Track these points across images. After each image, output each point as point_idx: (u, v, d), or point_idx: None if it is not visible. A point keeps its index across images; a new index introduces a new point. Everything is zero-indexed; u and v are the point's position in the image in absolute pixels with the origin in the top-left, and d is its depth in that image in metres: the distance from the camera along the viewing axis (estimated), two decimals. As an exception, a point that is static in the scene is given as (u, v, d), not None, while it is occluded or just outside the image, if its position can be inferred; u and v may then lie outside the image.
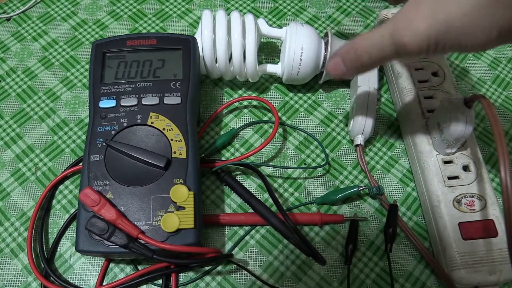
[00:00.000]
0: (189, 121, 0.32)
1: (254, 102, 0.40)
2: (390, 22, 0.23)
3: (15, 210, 0.34)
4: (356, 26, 0.46)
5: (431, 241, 0.34)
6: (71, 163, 0.36)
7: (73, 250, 0.33)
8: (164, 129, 0.31)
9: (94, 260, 0.33)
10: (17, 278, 0.32)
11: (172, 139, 0.31)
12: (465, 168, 0.33)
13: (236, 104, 0.40)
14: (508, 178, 0.23)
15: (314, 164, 0.37)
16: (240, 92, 0.41)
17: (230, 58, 0.37)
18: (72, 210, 0.34)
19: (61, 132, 0.38)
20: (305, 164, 0.37)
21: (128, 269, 0.32)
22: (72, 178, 0.36)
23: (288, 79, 0.38)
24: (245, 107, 0.40)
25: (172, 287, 0.31)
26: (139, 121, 0.31)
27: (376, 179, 0.37)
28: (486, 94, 0.42)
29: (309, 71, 0.37)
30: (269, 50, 0.44)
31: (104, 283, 0.31)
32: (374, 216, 0.35)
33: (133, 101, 0.32)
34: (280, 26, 0.43)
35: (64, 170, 0.35)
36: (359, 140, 0.36)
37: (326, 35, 0.37)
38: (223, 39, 0.34)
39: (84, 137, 0.38)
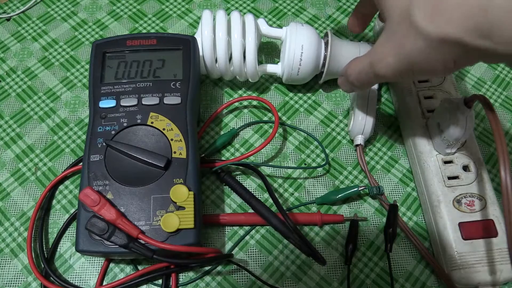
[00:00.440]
0: (189, 121, 0.32)
1: (254, 102, 0.40)
2: (370, 54, 0.27)
3: (15, 210, 0.34)
4: (356, 26, 0.45)
5: (431, 241, 0.34)
6: (71, 163, 0.36)
7: (73, 250, 0.33)
8: (164, 129, 0.31)
9: (94, 260, 0.33)
10: (17, 278, 0.32)
11: (172, 139, 0.31)
12: (465, 168, 0.33)
13: (236, 104, 0.40)
14: (508, 178, 0.23)
15: (314, 164, 0.37)
16: (240, 92, 0.41)
17: (230, 58, 0.37)
18: (72, 210, 0.34)
19: (61, 132, 0.38)
20: (305, 164, 0.37)
21: (128, 269, 0.32)
22: (72, 178, 0.36)
23: (288, 79, 0.38)
24: (245, 107, 0.40)
25: (172, 287, 0.31)
26: (139, 121, 0.31)
27: (376, 179, 0.37)
28: (486, 94, 0.42)
29: (309, 71, 0.37)
30: (269, 50, 0.44)
31: (104, 283, 0.31)
32: (374, 216, 0.35)
33: (133, 101, 0.32)
34: (280, 26, 0.43)
35: (64, 170, 0.35)
36: (359, 140, 0.36)
37: (326, 35, 0.37)
38: (223, 39, 0.34)
39: (84, 137, 0.38)
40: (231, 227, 0.34)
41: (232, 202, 0.35)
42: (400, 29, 0.23)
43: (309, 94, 0.41)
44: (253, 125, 0.39)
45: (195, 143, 0.31)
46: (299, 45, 0.35)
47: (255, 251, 0.33)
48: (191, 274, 0.32)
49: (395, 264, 0.33)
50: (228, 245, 0.33)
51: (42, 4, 0.46)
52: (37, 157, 0.37)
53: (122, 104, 0.32)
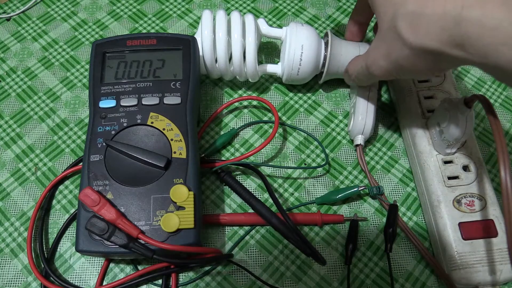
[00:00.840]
0: (189, 121, 0.32)
1: (254, 102, 0.40)
2: (365, 56, 0.30)
3: (15, 210, 0.34)
4: (356, 26, 0.45)
5: (431, 241, 0.34)
6: (71, 163, 0.36)
7: (73, 250, 0.33)
8: (164, 129, 0.31)
9: (94, 260, 0.33)
10: (17, 278, 0.32)
11: (172, 139, 0.31)
12: (465, 168, 0.33)
13: (236, 104, 0.40)
14: (508, 178, 0.23)
15: (314, 164, 0.37)
16: (240, 92, 0.41)
17: (230, 58, 0.37)
18: (72, 210, 0.34)
19: (61, 132, 0.38)
20: (305, 164, 0.37)
21: (128, 269, 0.32)
22: (72, 178, 0.36)
23: (288, 79, 0.38)
24: (245, 107, 0.40)
25: (172, 287, 0.31)
26: (139, 121, 0.31)
27: (376, 179, 0.37)
28: (486, 94, 0.42)
29: (309, 71, 0.37)
30: (269, 50, 0.44)
31: (104, 283, 0.31)
32: (374, 216, 0.35)
33: (133, 101, 0.32)
34: (280, 26, 0.43)
35: (64, 170, 0.35)
36: (359, 140, 0.36)
37: (326, 35, 0.37)
38: (223, 39, 0.34)
39: (84, 137, 0.38)
40: (231, 227, 0.34)
41: (232, 202, 0.35)
42: (389, 36, 0.26)
43: (309, 94, 0.41)
44: (253, 125, 0.39)
45: (195, 143, 0.31)
46: (299, 45, 0.35)
47: (255, 251, 0.33)
48: (191, 274, 0.32)
49: (395, 264, 0.33)
50: (228, 245, 0.33)
51: (42, 4, 0.46)
52: (37, 157, 0.37)
53: (122, 104, 0.32)
